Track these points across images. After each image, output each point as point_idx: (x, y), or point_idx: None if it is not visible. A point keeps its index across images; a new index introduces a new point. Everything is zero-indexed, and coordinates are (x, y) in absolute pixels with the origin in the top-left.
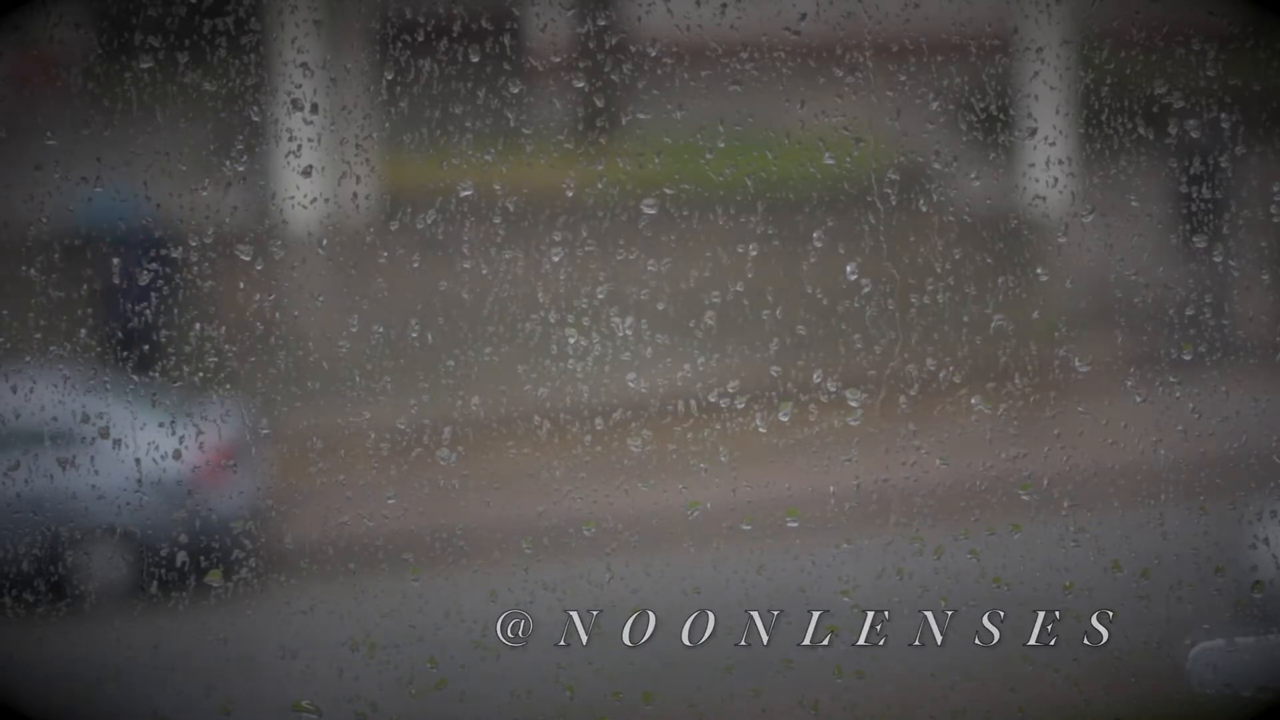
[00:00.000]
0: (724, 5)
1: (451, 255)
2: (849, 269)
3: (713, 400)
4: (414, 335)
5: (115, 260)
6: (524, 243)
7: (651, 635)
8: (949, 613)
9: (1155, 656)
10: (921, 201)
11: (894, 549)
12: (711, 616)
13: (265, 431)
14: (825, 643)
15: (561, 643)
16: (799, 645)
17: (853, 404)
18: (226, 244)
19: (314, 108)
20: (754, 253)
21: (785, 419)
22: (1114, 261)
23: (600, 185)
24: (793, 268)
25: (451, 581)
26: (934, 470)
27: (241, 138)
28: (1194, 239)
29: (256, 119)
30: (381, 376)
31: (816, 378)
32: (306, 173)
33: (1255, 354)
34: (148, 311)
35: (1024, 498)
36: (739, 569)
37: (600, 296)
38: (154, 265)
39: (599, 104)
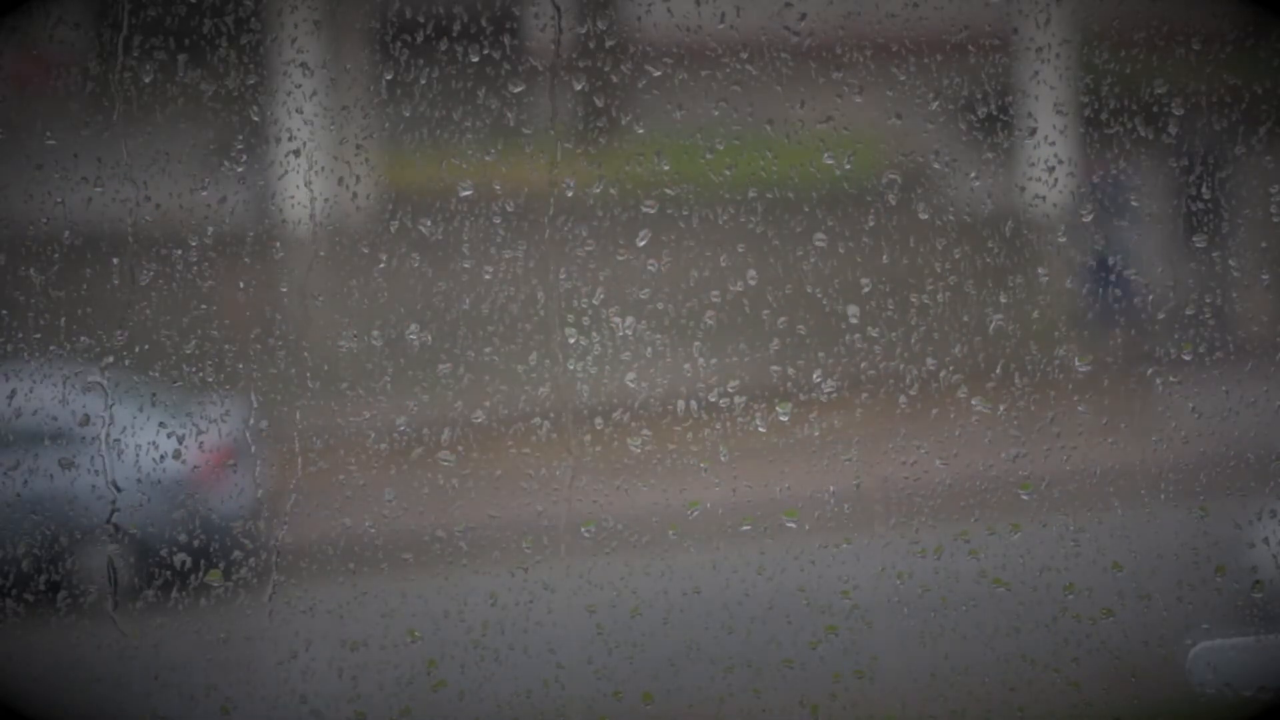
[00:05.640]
0: (722, 9)
1: (451, 255)
2: (852, 309)
3: (713, 400)
4: (414, 335)
5: (115, 260)
6: (524, 243)
7: (651, 635)
8: (948, 612)
9: (1155, 656)
10: (921, 201)
11: (894, 549)
12: (711, 616)
13: (265, 431)
14: (825, 643)
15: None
16: (799, 645)
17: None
18: (226, 244)
19: (314, 108)
20: (754, 253)
21: (785, 419)
22: (1114, 261)
23: (600, 185)
24: (793, 268)
25: (451, 581)
26: (934, 470)
27: (241, 138)
28: (1194, 239)
29: (256, 119)
30: (381, 376)
31: (816, 377)
32: (307, 173)
33: (1255, 354)
34: (148, 311)
35: (1024, 498)
36: (739, 569)
37: (600, 296)
38: (154, 265)
39: (599, 104)
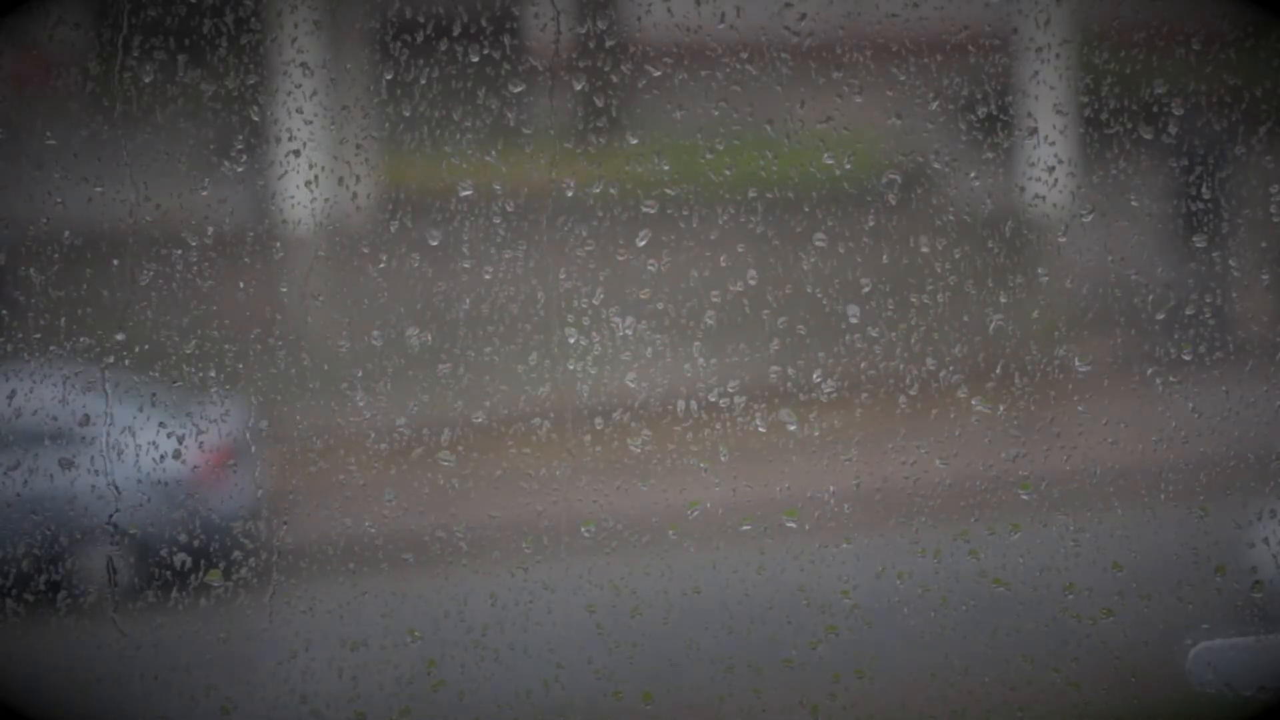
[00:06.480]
0: (723, 9)
1: (451, 255)
2: (852, 309)
3: (713, 400)
4: (413, 335)
5: (115, 260)
6: (524, 243)
7: (651, 635)
8: (948, 612)
9: (1155, 656)
10: (921, 201)
11: (894, 549)
12: (711, 616)
13: (265, 431)
14: (825, 643)
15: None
16: (799, 645)
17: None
18: (226, 244)
19: (314, 108)
20: (754, 253)
21: (793, 427)
22: (1114, 261)
23: (600, 185)
24: (793, 268)
25: (451, 582)
26: (934, 470)
27: (241, 138)
28: (1194, 239)
29: (256, 119)
30: (381, 377)
31: (816, 377)
32: (307, 173)
33: (1255, 354)
34: (148, 311)
35: (1024, 498)
36: (739, 569)
37: (600, 296)
38: (154, 265)
39: (599, 104)
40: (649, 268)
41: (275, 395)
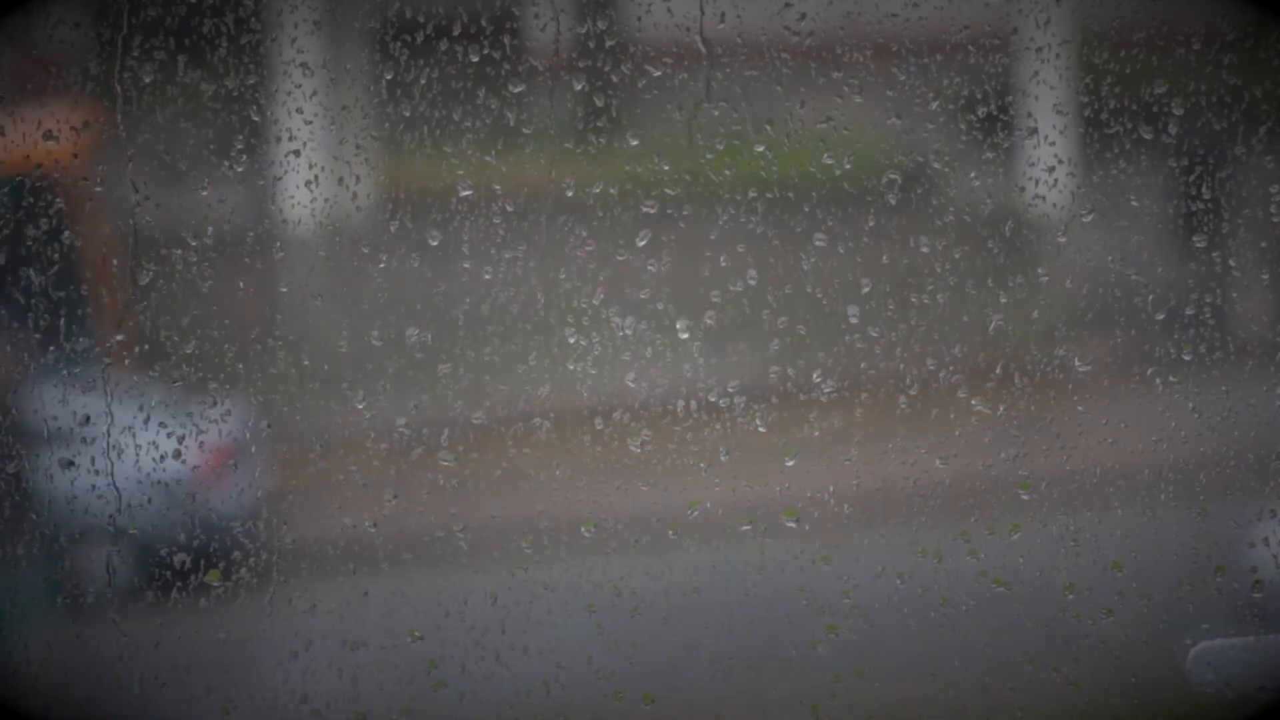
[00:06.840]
0: (723, 10)
1: (451, 256)
2: (852, 309)
3: (713, 400)
4: (413, 336)
5: (115, 260)
6: (524, 243)
7: (651, 635)
8: (948, 612)
9: (1155, 656)
10: (921, 201)
11: (894, 549)
12: (711, 616)
13: (265, 431)
14: (825, 643)
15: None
16: (799, 645)
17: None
18: (226, 244)
19: (314, 108)
20: (754, 253)
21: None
22: (1114, 261)
23: (600, 185)
24: (793, 268)
25: (451, 581)
26: (934, 470)
27: (241, 138)
28: (1194, 239)
29: (256, 119)
30: (381, 377)
31: (816, 378)
32: (307, 173)
33: (1255, 354)
34: (148, 311)
35: (1024, 498)
36: (739, 569)
37: (600, 297)
38: (154, 265)
39: (599, 104)
40: (649, 268)
41: (275, 395)
